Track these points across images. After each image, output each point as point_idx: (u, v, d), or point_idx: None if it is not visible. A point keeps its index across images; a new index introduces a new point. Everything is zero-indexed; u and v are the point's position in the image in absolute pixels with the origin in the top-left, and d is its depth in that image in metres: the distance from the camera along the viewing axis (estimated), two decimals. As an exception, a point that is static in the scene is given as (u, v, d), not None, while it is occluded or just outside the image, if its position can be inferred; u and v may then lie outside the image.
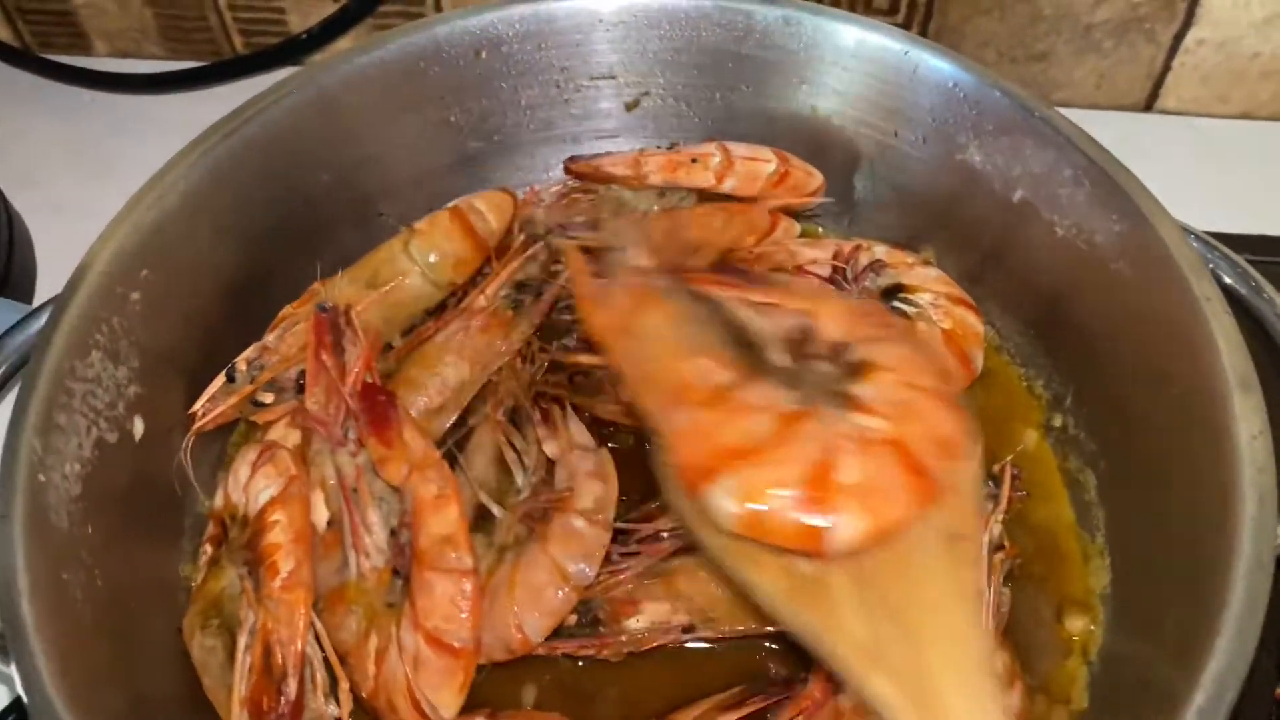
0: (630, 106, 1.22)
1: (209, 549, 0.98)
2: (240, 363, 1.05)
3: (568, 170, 1.19)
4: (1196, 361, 0.87)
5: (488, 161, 1.22)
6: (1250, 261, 0.97)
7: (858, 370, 0.71)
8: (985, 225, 1.11)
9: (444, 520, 0.90)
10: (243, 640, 0.90)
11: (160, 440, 1.01)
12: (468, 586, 0.88)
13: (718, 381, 0.70)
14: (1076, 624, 0.96)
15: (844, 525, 0.64)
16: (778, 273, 1.08)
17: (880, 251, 1.12)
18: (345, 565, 0.93)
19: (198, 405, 1.03)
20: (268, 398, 1.04)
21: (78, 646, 0.82)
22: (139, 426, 0.98)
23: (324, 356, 0.97)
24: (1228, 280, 0.95)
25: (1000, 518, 0.96)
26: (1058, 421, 1.08)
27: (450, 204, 1.12)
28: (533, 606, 0.90)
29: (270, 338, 1.07)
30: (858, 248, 1.12)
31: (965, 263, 1.14)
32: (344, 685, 0.91)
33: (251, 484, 0.97)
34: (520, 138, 1.22)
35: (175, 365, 1.03)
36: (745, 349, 0.73)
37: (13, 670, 0.75)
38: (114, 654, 0.88)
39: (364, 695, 0.91)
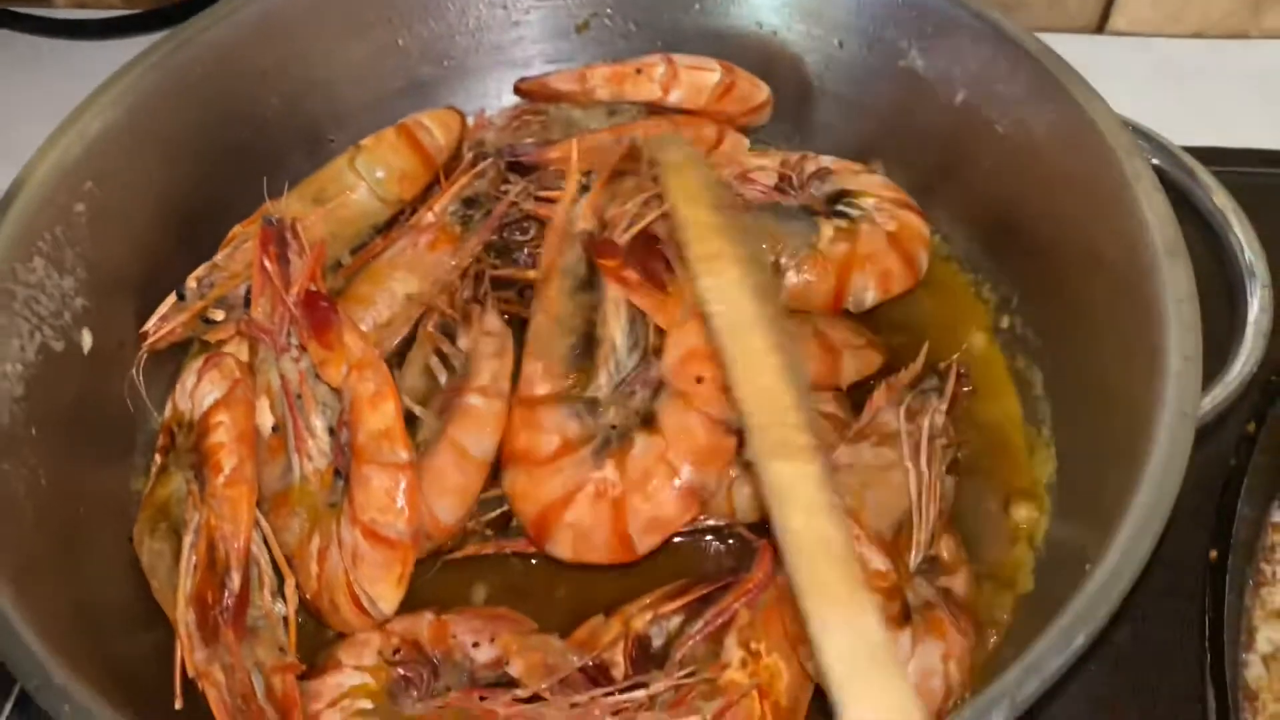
0: (580, 28, 1.23)
1: (158, 459, 0.99)
2: (191, 280, 1.05)
3: (517, 90, 1.19)
4: (1127, 237, 0.88)
5: (439, 87, 1.22)
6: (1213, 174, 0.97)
7: (648, 420, 0.89)
8: (931, 133, 1.12)
9: (381, 416, 0.90)
10: (188, 539, 0.90)
11: (111, 356, 1.01)
12: (403, 479, 0.88)
13: (538, 392, 0.92)
14: (1022, 513, 0.97)
15: (553, 549, 0.90)
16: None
17: (827, 161, 1.13)
18: (289, 469, 0.93)
19: (149, 324, 1.04)
20: (218, 315, 1.04)
21: (17, 538, 0.83)
22: (87, 339, 0.98)
23: (269, 267, 0.97)
24: (1163, 168, 0.95)
25: (943, 409, 0.96)
26: (1005, 323, 1.09)
27: (398, 122, 1.12)
28: (440, 490, 0.91)
29: (220, 256, 1.07)
30: (804, 157, 1.13)
31: (914, 174, 1.15)
32: (290, 583, 0.92)
33: (197, 390, 0.97)
34: (470, 62, 1.23)
35: (125, 283, 1.04)
36: (585, 361, 0.92)
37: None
38: (58, 556, 0.88)
39: (308, 596, 0.91)
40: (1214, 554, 0.86)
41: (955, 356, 1.03)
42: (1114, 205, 0.90)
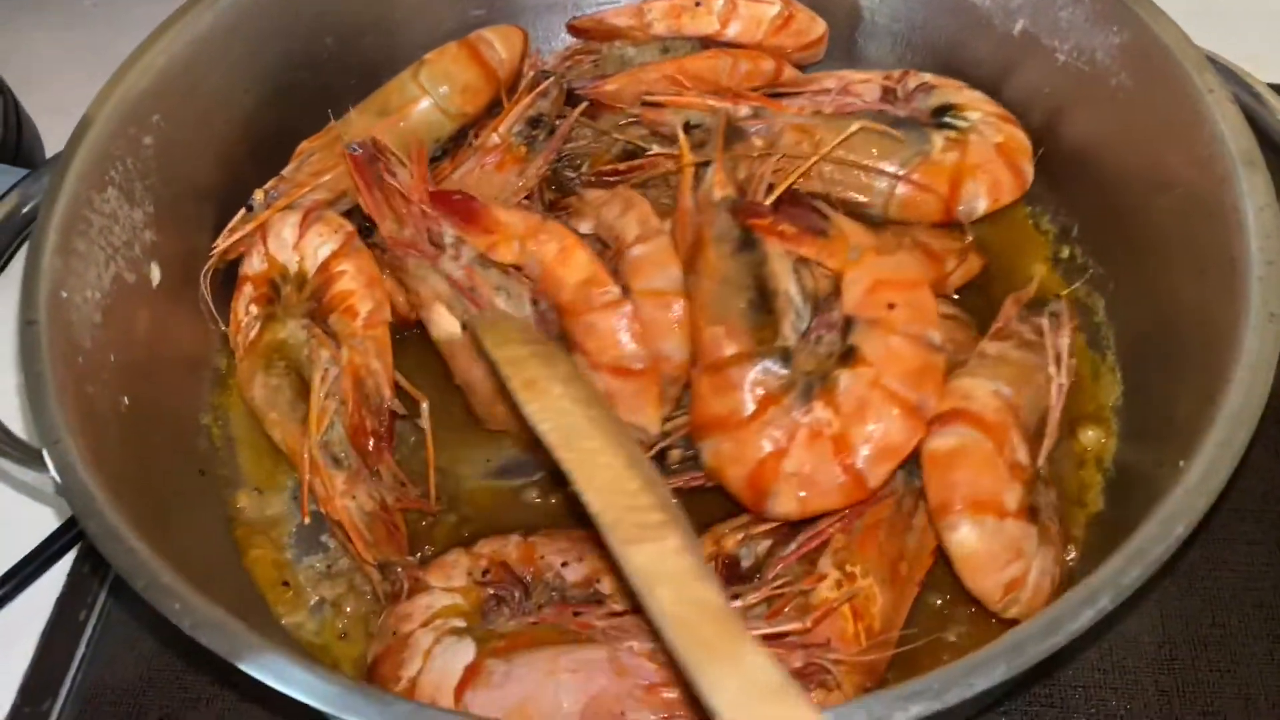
0: (631, -32, 1.23)
1: (254, 309, 1.02)
2: (258, 193, 1.07)
3: (570, 29, 1.19)
4: (1199, 152, 0.88)
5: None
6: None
7: (846, 357, 0.87)
8: (988, 65, 1.12)
9: (576, 267, 0.93)
10: (321, 375, 0.95)
11: (179, 289, 1.02)
12: (624, 312, 0.92)
13: (723, 354, 0.89)
14: (1089, 435, 0.97)
15: (775, 504, 0.86)
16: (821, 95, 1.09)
17: (927, 76, 1.12)
18: None
19: (219, 240, 1.05)
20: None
21: (104, 455, 0.83)
22: (155, 273, 0.99)
23: (375, 190, 0.98)
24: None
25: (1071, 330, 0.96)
26: (1065, 253, 1.09)
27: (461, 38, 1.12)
28: (659, 335, 0.93)
29: (288, 170, 1.09)
30: (905, 73, 1.12)
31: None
32: (424, 404, 0.96)
33: (304, 243, 1.01)
34: (523, 4, 1.23)
35: (196, 213, 1.05)
36: (765, 315, 0.89)
37: (45, 457, 0.76)
38: (139, 474, 0.88)
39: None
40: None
41: (1058, 297, 1.03)
42: (1185, 122, 0.90)
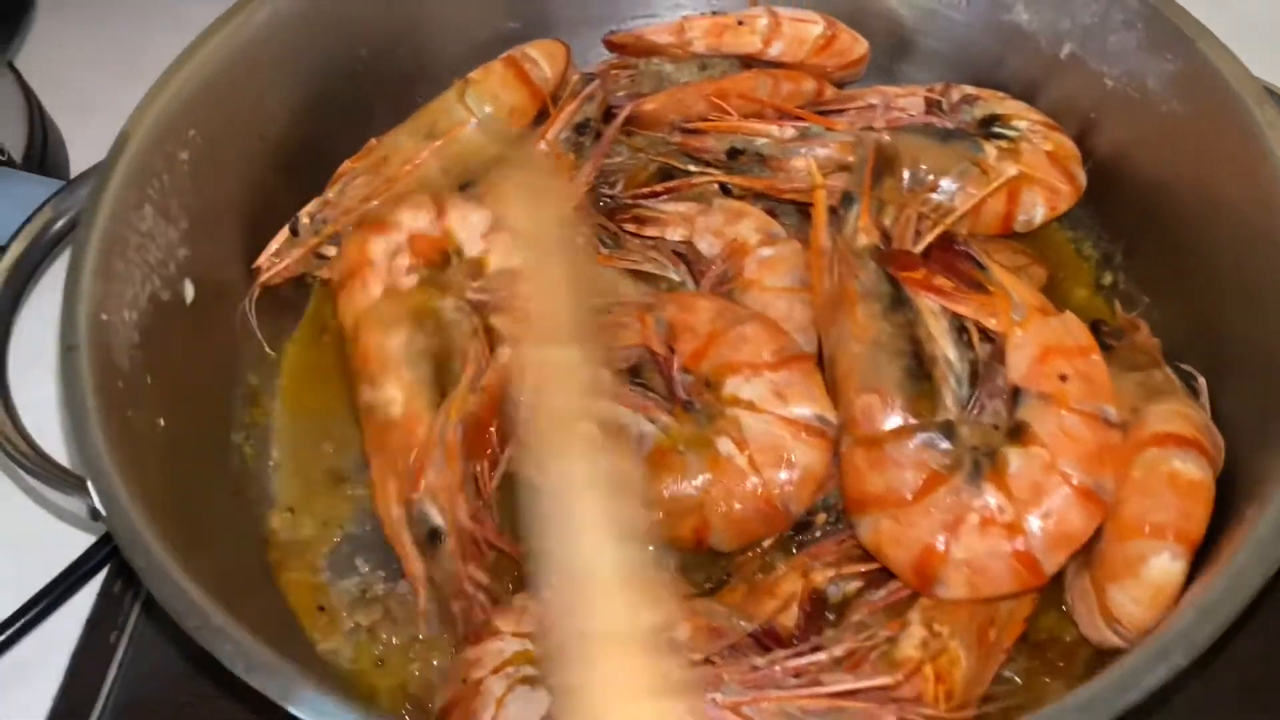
0: (667, -17, 1.21)
1: (407, 260, 0.99)
2: (303, 216, 1.05)
3: (608, 44, 1.18)
4: (1258, 186, 0.87)
5: (523, 41, 1.20)
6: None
7: (1016, 434, 0.82)
8: (1031, 87, 1.11)
9: (702, 308, 0.95)
10: (475, 368, 0.93)
11: (211, 306, 1.00)
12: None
13: (880, 427, 0.84)
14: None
15: (945, 590, 0.82)
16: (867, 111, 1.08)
17: (970, 88, 1.11)
18: (640, 440, 0.91)
19: (261, 260, 1.04)
20: (331, 251, 1.04)
21: (145, 483, 0.81)
22: (189, 290, 0.97)
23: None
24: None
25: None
26: (1107, 280, 1.08)
27: (503, 54, 1.11)
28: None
29: (331, 192, 1.07)
30: (947, 86, 1.11)
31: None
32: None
33: (495, 239, 0.99)
34: (557, 16, 1.21)
35: (228, 229, 1.03)
36: (923, 383, 0.85)
37: (89, 489, 0.75)
38: (176, 500, 0.87)
39: (746, 488, 0.87)
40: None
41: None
42: (1242, 155, 0.89)
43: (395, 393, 0.93)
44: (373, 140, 1.07)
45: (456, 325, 0.96)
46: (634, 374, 0.96)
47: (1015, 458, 0.81)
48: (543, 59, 1.10)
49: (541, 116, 1.10)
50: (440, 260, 1.00)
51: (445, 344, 0.96)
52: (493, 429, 0.93)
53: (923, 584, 0.83)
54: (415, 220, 1.00)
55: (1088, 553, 0.83)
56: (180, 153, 0.96)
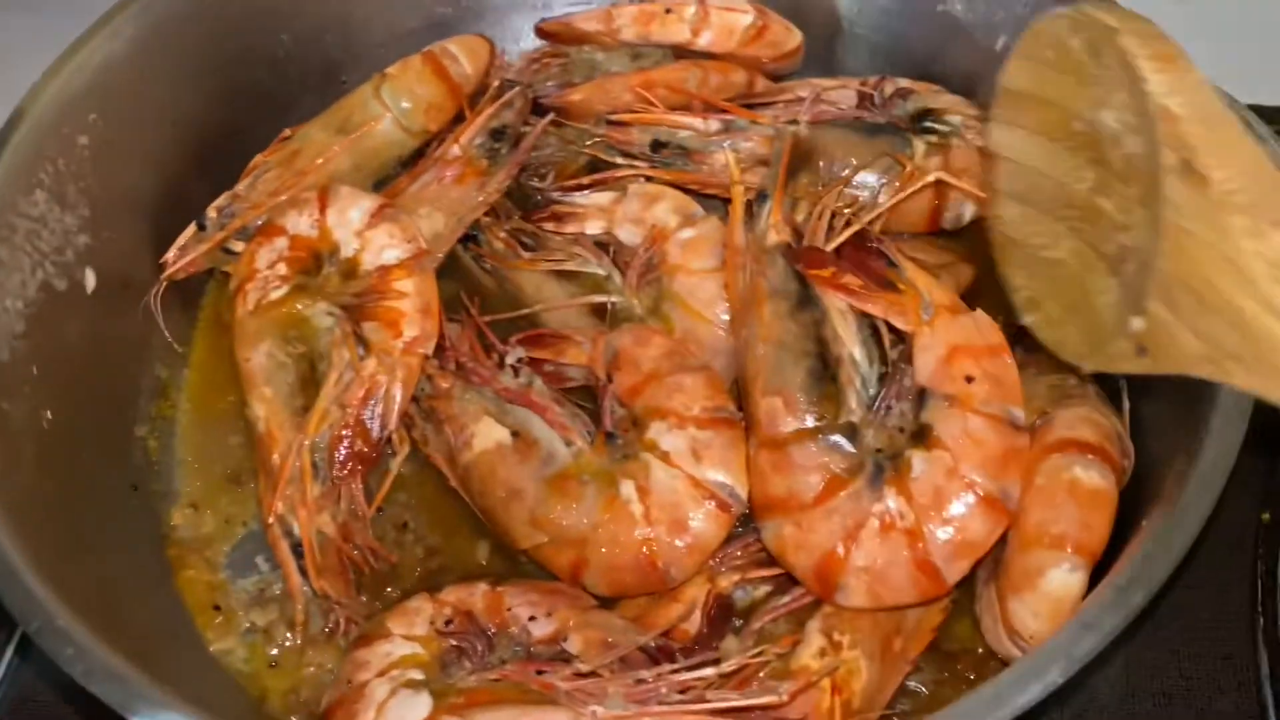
0: (602, -32, 1.18)
1: (284, 268, 0.96)
2: (211, 211, 1.02)
3: (539, 32, 1.15)
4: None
5: (455, 27, 1.18)
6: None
7: (920, 436, 0.79)
8: (970, 80, 1.07)
9: (656, 344, 0.92)
10: (336, 377, 0.91)
11: (115, 296, 0.98)
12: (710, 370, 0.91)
13: (783, 430, 0.82)
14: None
15: (846, 598, 0.79)
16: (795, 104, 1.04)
17: (904, 82, 1.08)
18: (549, 457, 0.89)
19: (169, 254, 1.01)
20: (238, 246, 1.01)
21: (17, 476, 0.79)
22: (90, 279, 0.95)
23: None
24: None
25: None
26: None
27: (424, 50, 1.08)
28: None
29: (241, 186, 1.04)
30: (881, 79, 1.07)
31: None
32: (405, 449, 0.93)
33: (370, 235, 0.96)
34: (489, 2, 1.19)
35: (135, 218, 1.00)
36: (825, 386, 0.82)
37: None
38: (60, 492, 0.85)
39: (633, 537, 0.84)
40: (1267, 516, 0.82)
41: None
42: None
43: (259, 409, 0.92)
44: (286, 131, 1.05)
45: (326, 332, 0.93)
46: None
47: (918, 461, 0.78)
48: (463, 55, 1.07)
49: (461, 115, 1.07)
50: (314, 263, 0.97)
51: (314, 352, 0.94)
52: (363, 439, 0.91)
53: (825, 591, 0.81)
54: (297, 223, 0.98)
55: (995, 561, 0.80)
56: (79, 136, 0.93)
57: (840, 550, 0.78)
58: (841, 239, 0.88)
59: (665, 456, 0.85)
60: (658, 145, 1.02)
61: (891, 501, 0.78)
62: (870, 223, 0.91)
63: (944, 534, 0.77)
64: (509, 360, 0.95)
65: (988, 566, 0.81)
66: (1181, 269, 0.63)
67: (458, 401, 0.93)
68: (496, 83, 1.08)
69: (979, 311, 0.84)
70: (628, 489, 0.85)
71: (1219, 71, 0.89)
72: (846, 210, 0.90)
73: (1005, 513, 0.77)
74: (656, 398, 0.88)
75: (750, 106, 1.04)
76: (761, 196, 0.90)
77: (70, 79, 0.93)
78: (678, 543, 0.83)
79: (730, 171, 0.94)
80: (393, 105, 1.04)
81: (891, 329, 0.84)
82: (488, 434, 0.91)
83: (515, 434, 0.90)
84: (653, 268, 0.98)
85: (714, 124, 1.01)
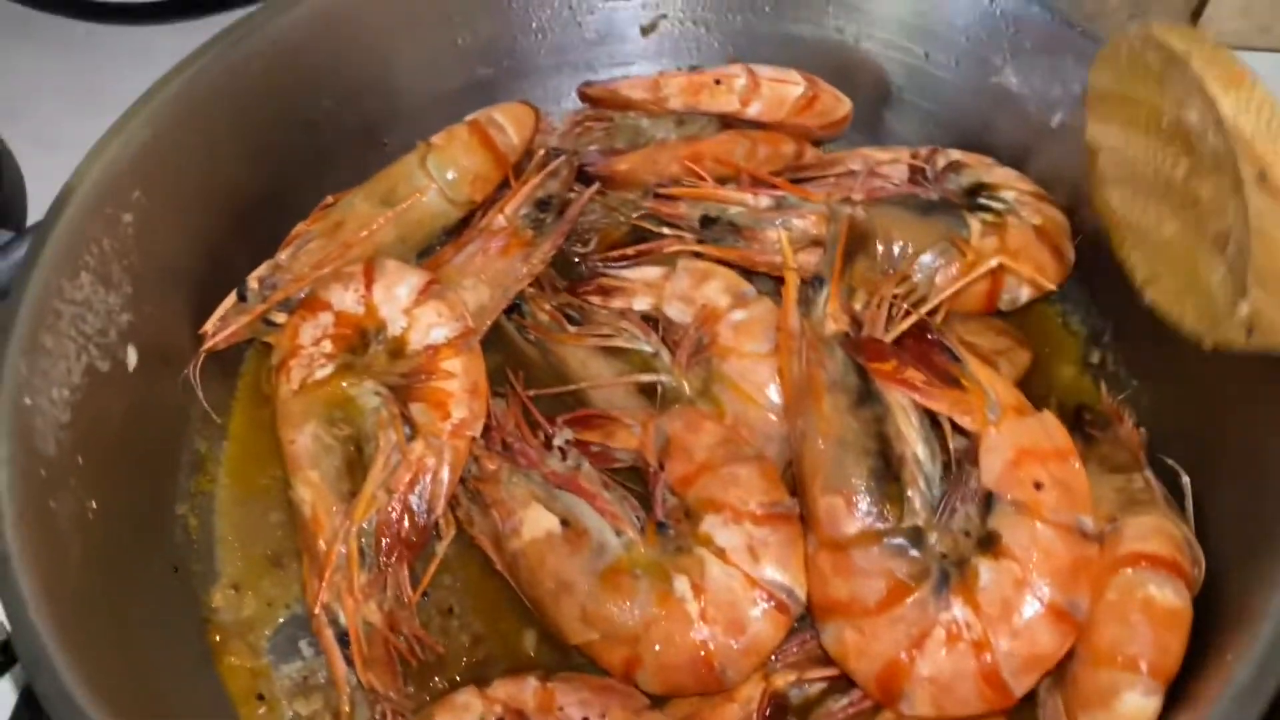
0: (647, 30, 1.17)
1: (329, 345, 0.95)
2: (252, 280, 1.01)
3: (582, 96, 1.13)
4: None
5: (497, 88, 1.16)
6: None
7: (987, 543, 0.78)
8: (1022, 152, 1.06)
9: (709, 431, 0.90)
10: (384, 461, 0.89)
11: (156, 370, 0.96)
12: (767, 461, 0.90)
13: (845, 532, 0.80)
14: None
15: (910, 707, 0.78)
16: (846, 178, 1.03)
17: (956, 154, 1.06)
18: (602, 549, 0.87)
19: (209, 324, 1.00)
20: (280, 317, 1.00)
21: (65, 576, 0.78)
22: (132, 356, 0.93)
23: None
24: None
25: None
26: (1095, 358, 1.03)
27: (468, 117, 1.06)
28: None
29: (283, 256, 1.03)
30: (933, 151, 1.06)
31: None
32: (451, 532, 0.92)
33: (417, 313, 0.94)
34: (531, 63, 1.17)
35: (175, 290, 0.99)
36: (890, 484, 0.80)
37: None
38: (105, 585, 0.83)
39: (689, 637, 0.82)
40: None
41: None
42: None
43: (305, 493, 0.91)
44: (329, 198, 1.03)
45: (373, 413, 0.92)
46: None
47: (985, 570, 0.77)
48: (509, 124, 1.05)
49: (506, 182, 1.05)
50: (360, 341, 0.96)
51: (361, 433, 0.92)
52: (410, 524, 0.89)
53: (887, 698, 0.79)
54: (343, 298, 0.96)
55: (1061, 670, 0.78)
56: (123, 215, 0.92)
57: (904, 658, 0.77)
58: (901, 329, 0.86)
59: (721, 553, 0.83)
60: (707, 221, 1.00)
61: (958, 611, 0.76)
62: (930, 311, 0.89)
63: (1012, 647, 0.75)
64: (556, 442, 0.93)
65: (1052, 674, 0.79)
66: (1274, 264, 0.71)
67: (505, 485, 0.91)
68: (541, 151, 1.07)
69: (1046, 413, 0.82)
70: (682, 586, 0.83)
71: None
72: (905, 299, 0.89)
73: (1074, 625, 0.76)
74: (710, 489, 0.86)
75: (800, 181, 1.02)
76: (817, 281, 0.88)
77: (115, 158, 0.91)
78: (734, 644, 0.82)
79: (784, 252, 0.92)
80: (438, 176, 1.03)
81: (953, 424, 0.83)
82: (537, 522, 0.89)
83: (565, 523, 0.89)
84: (703, 348, 0.96)
85: (765, 200, 1.00)
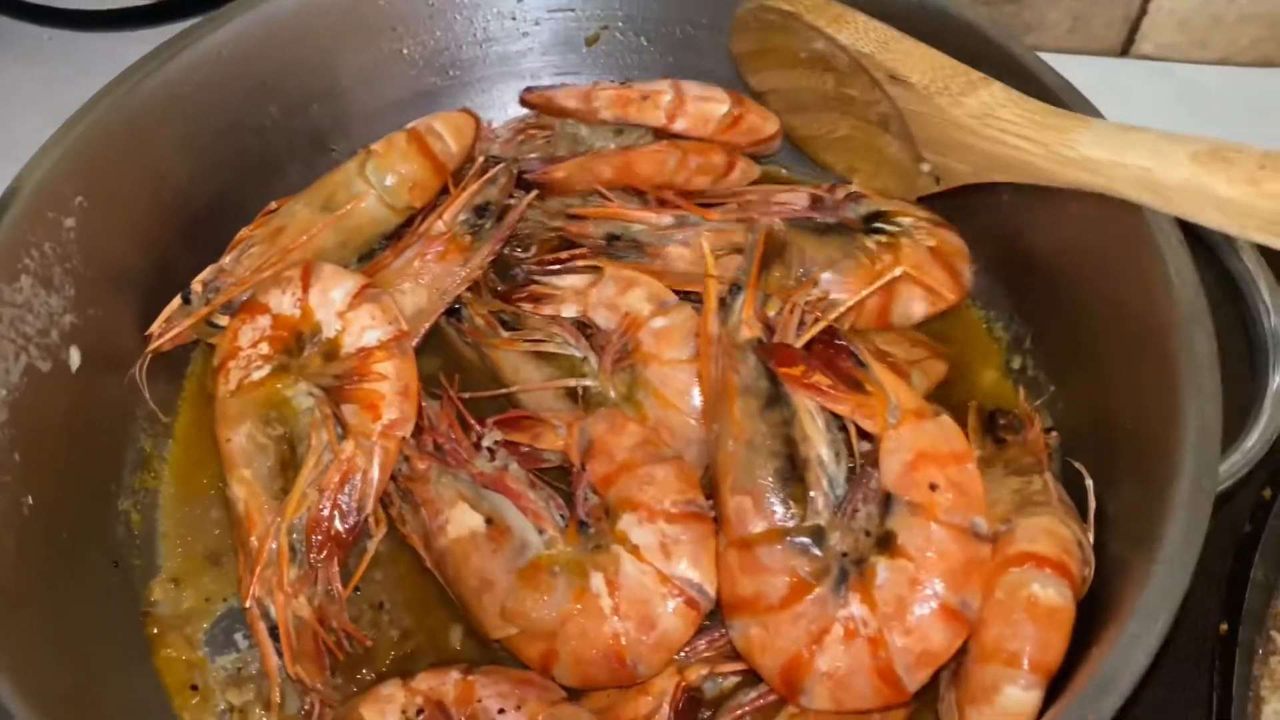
0: (590, 41, 1.20)
1: (266, 348, 0.98)
2: (196, 284, 1.04)
3: (523, 101, 1.16)
4: (1150, 291, 0.85)
5: (443, 97, 1.19)
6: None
7: (884, 543, 0.81)
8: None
9: (630, 433, 0.93)
10: (314, 459, 0.92)
11: (99, 371, 0.99)
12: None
13: (751, 530, 0.83)
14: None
15: (810, 701, 0.81)
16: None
17: (855, 187, 1.10)
18: (523, 546, 0.90)
19: (154, 326, 1.02)
20: (224, 320, 1.02)
21: (-1, 574, 0.81)
22: (75, 357, 0.96)
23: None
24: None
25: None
26: (1016, 363, 1.06)
27: (408, 125, 1.09)
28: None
29: (226, 260, 1.05)
30: (834, 185, 1.10)
31: (931, 206, 1.12)
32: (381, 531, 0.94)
33: (351, 315, 0.97)
34: (477, 73, 1.20)
35: (121, 294, 1.01)
36: (794, 486, 0.83)
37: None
38: (41, 578, 0.87)
39: (602, 631, 0.85)
40: (1224, 627, 0.83)
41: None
42: (1135, 259, 0.87)
43: (239, 490, 0.94)
44: (272, 204, 1.06)
45: (306, 413, 0.95)
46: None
47: (882, 569, 0.80)
48: (448, 133, 1.08)
49: (446, 189, 1.08)
50: (296, 343, 0.98)
51: (295, 433, 0.95)
52: (340, 522, 0.92)
53: (790, 693, 0.82)
54: (280, 302, 0.99)
55: (957, 665, 0.81)
56: (65, 220, 0.95)
57: (805, 654, 0.80)
58: (811, 335, 0.89)
59: (635, 550, 0.86)
60: (612, 238, 1.04)
61: (856, 608, 0.79)
62: (839, 320, 0.92)
63: (906, 643, 0.78)
64: (485, 443, 0.96)
65: (949, 669, 0.82)
66: (928, 133, 0.97)
67: (434, 485, 0.94)
68: (481, 158, 1.09)
69: (944, 416, 0.85)
70: (598, 582, 0.86)
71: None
72: (815, 306, 0.92)
73: (965, 623, 0.79)
74: (628, 489, 0.89)
75: (706, 206, 1.05)
76: (734, 290, 0.91)
77: (56, 164, 0.94)
78: (645, 638, 0.85)
79: (706, 261, 0.95)
80: (377, 183, 1.05)
81: (860, 430, 0.86)
82: (462, 520, 0.92)
83: (489, 521, 0.92)
84: (627, 354, 0.99)
85: (666, 219, 1.03)
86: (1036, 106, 0.89)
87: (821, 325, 0.88)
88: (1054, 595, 0.77)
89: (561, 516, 0.92)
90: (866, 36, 0.97)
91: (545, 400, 1.01)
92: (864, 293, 0.95)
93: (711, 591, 0.85)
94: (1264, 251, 0.91)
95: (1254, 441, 0.82)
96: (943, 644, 0.78)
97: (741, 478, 0.84)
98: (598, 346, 1.02)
